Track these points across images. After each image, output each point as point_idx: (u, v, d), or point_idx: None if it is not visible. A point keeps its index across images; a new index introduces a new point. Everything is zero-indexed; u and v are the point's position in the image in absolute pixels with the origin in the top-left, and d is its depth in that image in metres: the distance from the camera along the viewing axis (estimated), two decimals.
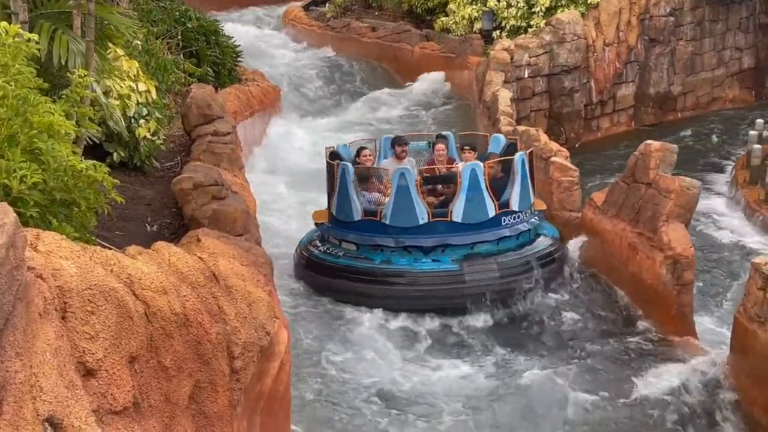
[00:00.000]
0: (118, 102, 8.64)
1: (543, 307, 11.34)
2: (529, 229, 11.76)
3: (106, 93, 8.27)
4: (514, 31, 20.43)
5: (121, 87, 8.85)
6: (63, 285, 3.85)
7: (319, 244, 12.08)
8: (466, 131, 15.27)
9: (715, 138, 19.97)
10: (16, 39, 5.09)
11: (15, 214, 3.32)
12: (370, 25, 24.44)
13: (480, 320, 11.06)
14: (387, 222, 11.36)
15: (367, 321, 10.98)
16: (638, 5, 20.19)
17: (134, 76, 9.33)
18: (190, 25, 16.15)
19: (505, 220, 11.47)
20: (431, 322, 11.02)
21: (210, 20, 17.34)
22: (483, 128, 17.13)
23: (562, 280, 11.89)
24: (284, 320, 6.41)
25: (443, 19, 22.32)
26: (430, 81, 21.66)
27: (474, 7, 21.35)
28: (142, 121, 9.05)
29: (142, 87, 9.36)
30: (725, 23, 21.82)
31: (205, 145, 9.88)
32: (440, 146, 12.27)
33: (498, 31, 20.84)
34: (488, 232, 11.39)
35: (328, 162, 12.04)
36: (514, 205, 11.51)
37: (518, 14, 20.55)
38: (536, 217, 12.02)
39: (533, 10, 20.37)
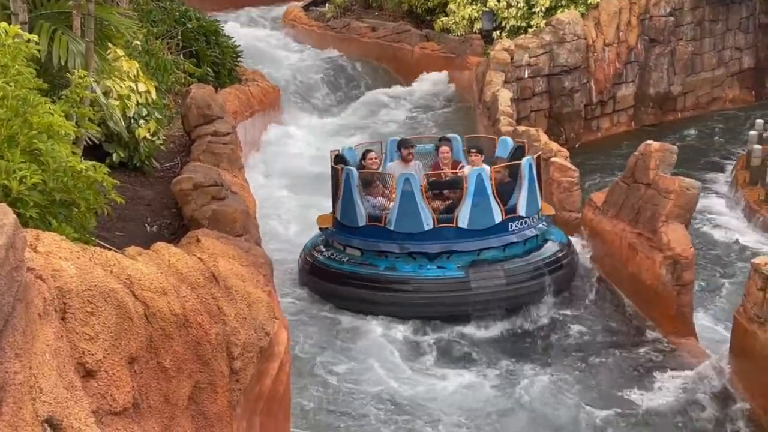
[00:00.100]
0: (117, 102, 8.63)
1: (549, 315, 11.17)
2: (537, 235, 11.58)
3: (105, 93, 8.27)
4: (514, 32, 20.42)
5: (121, 87, 8.85)
6: (63, 286, 3.85)
7: (324, 250, 11.95)
8: (466, 132, 15.16)
9: (715, 138, 19.96)
10: (16, 39, 5.09)
11: (14, 215, 3.32)
12: (370, 25, 24.43)
13: (485, 328, 10.90)
14: (392, 228, 11.22)
15: (372, 328, 10.86)
16: (638, 5, 20.19)
17: (134, 76, 9.33)
18: (190, 26, 16.15)
19: (511, 225, 11.29)
20: (436, 330, 10.87)
21: (210, 20, 17.34)
22: (483, 128, 17.13)
23: (570, 286, 11.71)
24: (284, 321, 6.41)
25: (443, 19, 22.32)
26: (432, 82, 21.61)
27: (474, 7, 21.34)
28: (141, 121, 9.05)
29: (141, 87, 9.36)
30: (725, 23, 21.82)
31: (204, 145, 9.88)
32: (444, 149, 12.11)
33: (498, 32, 20.83)
34: (494, 238, 11.22)
35: (332, 167, 11.91)
36: (521, 211, 11.34)
37: (518, 14, 20.54)
38: (544, 223, 11.82)
39: (533, 10, 20.37)
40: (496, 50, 18.67)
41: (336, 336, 10.75)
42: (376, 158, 12.18)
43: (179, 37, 15.73)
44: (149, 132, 9.08)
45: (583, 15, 19.49)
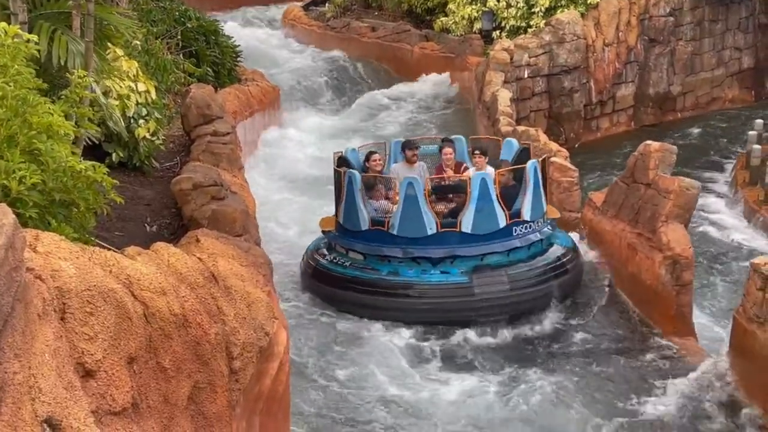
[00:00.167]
0: (117, 102, 8.64)
1: (554, 321, 11.03)
2: (541, 239, 11.44)
3: (105, 93, 8.27)
4: (514, 31, 20.43)
5: (121, 87, 8.85)
6: (62, 286, 3.85)
7: (326, 253, 11.82)
8: (465, 132, 15.09)
9: (714, 138, 19.96)
10: (16, 39, 5.09)
11: (14, 215, 3.33)
12: (370, 25, 24.44)
13: (489, 334, 10.74)
14: (395, 232, 11.09)
15: (374, 332, 10.76)
16: (638, 5, 20.19)
17: (134, 76, 9.33)
18: (189, 25, 16.16)
19: (516, 230, 11.15)
20: (439, 335, 10.73)
21: (209, 20, 17.35)
22: (483, 128, 17.13)
23: (576, 291, 11.56)
24: (283, 321, 6.41)
25: (443, 19, 22.33)
26: (432, 82, 21.56)
27: (474, 7, 21.35)
28: (141, 121, 9.05)
29: (141, 87, 9.36)
30: (725, 23, 21.83)
31: (204, 145, 9.88)
32: (447, 150, 11.97)
33: (498, 32, 20.84)
34: (498, 243, 11.08)
35: (335, 169, 11.79)
36: (526, 215, 11.19)
37: (518, 14, 20.55)
38: (549, 227, 11.67)
39: (533, 10, 20.37)
40: (495, 50, 18.68)
41: (338, 340, 10.63)
42: (380, 160, 12.02)
43: (179, 37, 15.74)
44: (149, 132, 9.09)
45: (582, 15, 19.50)
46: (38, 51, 5.76)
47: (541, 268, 11.25)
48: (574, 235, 12.48)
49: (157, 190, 8.70)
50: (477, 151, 11.77)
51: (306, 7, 27.92)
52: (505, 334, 10.79)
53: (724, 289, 12.28)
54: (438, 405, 9.35)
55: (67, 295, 3.86)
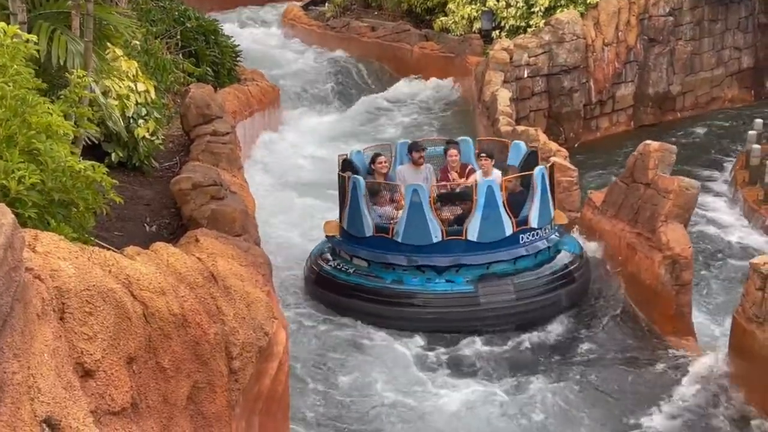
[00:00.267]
0: (116, 102, 8.64)
1: (560, 329, 10.87)
2: (549, 247, 11.27)
3: (104, 93, 8.27)
4: (514, 31, 20.41)
5: (120, 87, 8.85)
6: (61, 286, 3.85)
7: (330, 259, 11.67)
8: (463, 133, 15.03)
9: (714, 138, 19.96)
10: (15, 39, 5.09)
11: (13, 215, 3.33)
12: (370, 24, 24.43)
13: (494, 342, 10.56)
14: (399, 240, 10.93)
15: (378, 338, 10.63)
16: (637, 5, 20.18)
17: (133, 76, 9.33)
18: (189, 25, 16.16)
19: (522, 237, 10.98)
20: (444, 343, 10.57)
21: (209, 20, 17.35)
22: (482, 128, 17.13)
23: (583, 298, 11.38)
24: (283, 321, 6.41)
25: (442, 18, 22.32)
26: (433, 84, 21.53)
27: (473, 6, 21.34)
28: (140, 121, 9.05)
29: (140, 87, 9.36)
30: (724, 23, 21.81)
31: (203, 145, 9.88)
32: (453, 152, 11.80)
33: (497, 31, 20.83)
34: (504, 252, 10.91)
35: (339, 174, 11.62)
36: (533, 222, 11.03)
37: (517, 14, 20.54)
38: (556, 233, 11.51)
39: (532, 9, 20.36)
40: (495, 50, 18.67)
41: (341, 345, 10.53)
42: (385, 162, 11.85)
43: (178, 37, 15.73)
44: (148, 132, 9.09)
45: (582, 15, 19.49)
46: (37, 51, 5.77)
47: (547, 276, 11.07)
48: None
49: (156, 189, 8.70)
50: (483, 154, 11.59)
51: (305, 7, 27.93)
52: (511, 341, 10.60)
53: (724, 289, 12.26)
54: (442, 413, 9.22)
55: (67, 294, 3.86)
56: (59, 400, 3.35)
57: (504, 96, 16.79)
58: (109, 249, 4.98)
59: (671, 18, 20.74)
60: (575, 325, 11.02)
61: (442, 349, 10.49)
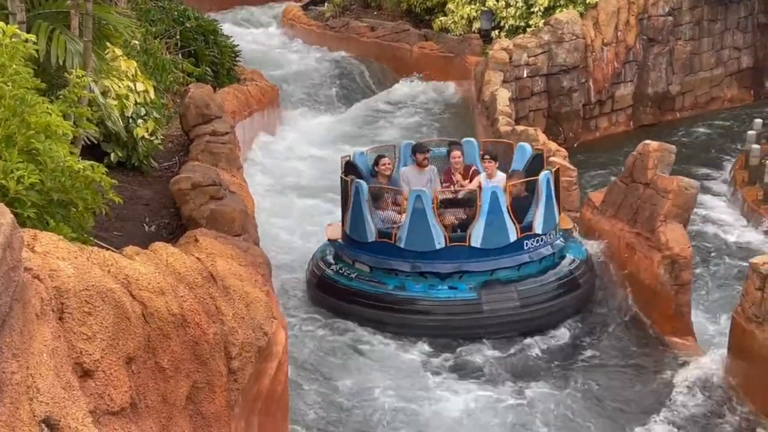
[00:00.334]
0: (116, 102, 8.64)
1: (564, 335, 10.75)
2: (553, 253, 11.14)
3: (104, 93, 8.27)
4: (513, 31, 20.42)
5: (119, 87, 8.85)
6: (60, 286, 3.85)
7: (333, 262, 11.54)
8: (462, 133, 14.97)
9: (713, 138, 19.96)
10: (14, 39, 5.09)
11: (12, 215, 3.33)
12: (369, 24, 24.43)
13: (497, 348, 10.44)
14: (402, 245, 10.79)
15: (380, 342, 10.55)
16: (637, 5, 20.19)
17: (132, 75, 9.33)
18: (188, 25, 16.16)
19: (527, 243, 10.86)
20: (446, 347, 10.46)
21: (208, 20, 17.35)
22: (482, 128, 17.13)
23: (588, 304, 11.26)
24: (282, 320, 6.41)
25: (442, 18, 22.32)
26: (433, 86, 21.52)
27: (473, 6, 21.34)
28: (140, 121, 9.05)
29: (140, 87, 9.36)
30: (724, 23, 21.82)
31: (203, 144, 9.87)
32: (456, 153, 11.67)
33: (497, 31, 20.83)
34: (508, 258, 10.79)
35: (342, 177, 11.48)
36: (538, 228, 10.91)
37: (517, 14, 20.55)
38: (561, 239, 11.35)
39: (532, 9, 20.37)
40: (494, 50, 18.68)
41: (342, 349, 10.45)
42: (389, 164, 11.68)
43: (178, 37, 15.74)
44: (147, 131, 9.08)
45: (581, 14, 19.49)
46: (36, 51, 5.77)
47: (552, 283, 10.95)
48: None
49: (155, 189, 8.70)
50: (487, 156, 11.47)
51: (305, 7, 27.94)
52: (514, 346, 10.50)
53: (723, 289, 12.26)
54: (443, 418, 9.15)
55: (66, 294, 3.86)
56: (58, 400, 3.35)
57: (503, 96, 16.79)
58: (108, 249, 4.98)
59: (670, 18, 20.74)
60: (579, 330, 10.92)
61: (445, 354, 10.38)
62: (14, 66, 4.95)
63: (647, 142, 11.69)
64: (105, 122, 8.02)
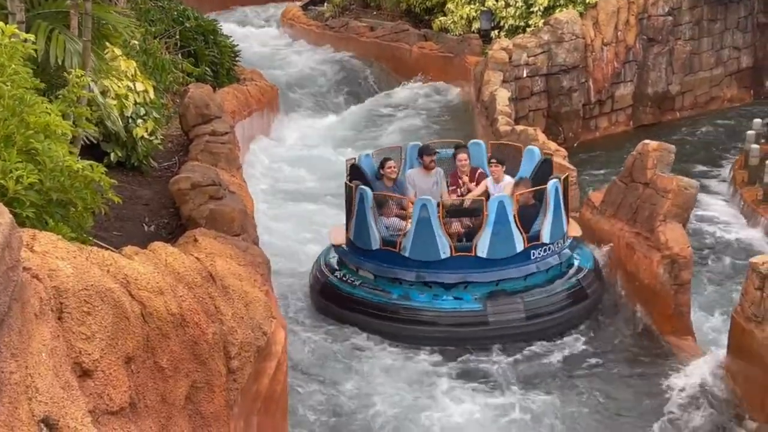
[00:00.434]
0: (115, 102, 8.64)
1: (569, 343, 10.60)
2: (561, 262, 10.95)
3: (103, 93, 8.27)
4: (513, 31, 20.43)
5: (119, 87, 8.85)
6: (59, 285, 3.85)
7: (336, 268, 11.37)
8: (462, 133, 14.93)
9: (713, 138, 19.96)
10: (13, 39, 5.09)
11: (11, 215, 3.32)
12: (369, 24, 24.44)
13: (502, 355, 10.29)
14: (406, 254, 10.60)
15: (383, 348, 10.45)
16: (636, 5, 20.19)
17: (132, 75, 9.32)
18: (188, 25, 16.17)
19: (534, 253, 10.66)
20: (450, 354, 10.34)
21: (208, 20, 17.35)
22: (481, 128, 17.13)
23: (595, 312, 11.11)
24: (281, 320, 6.41)
25: (441, 18, 22.33)
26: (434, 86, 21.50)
27: (472, 6, 21.34)
28: (139, 120, 9.05)
29: (139, 87, 9.36)
30: (723, 23, 21.82)
31: (202, 144, 9.88)
32: (462, 156, 11.50)
33: (496, 31, 20.84)
34: (515, 268, 10.59)
35: (346, 183, 11.26)
36: (545, 238, 10.71)
37: (516, 14, 20.55)
38: (569, 248, 11.16)
39: (531, 9, 20.37)
40: (494, 50, 18.68)
41: (344, 353, 10.37)
42: (395, 167, 11.48)
43: (177, 37, 15.74)
44: (147, 131, 9.09)
45: (581, 14, 19.49)
46: (36, 50, 5.77)
47: (559, 293, 10.79)
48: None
49: (155, 189, 8.70)
50: (494, 160, 11.33)
51: (304, 7, 27.96)
52: (519, 354, 10.36)
53: (722, 288, 12.26)
54: (447, 425, 9.06)
55: (65, 294, 3.86)
56: (57, 400, 3.35)
57: (503, 96, 16.79)
58: (107, 249, 4.98)
59: (670, 18, 20.74)
60: (585, 336, 10.81)
61: (449, 361, 10.27)
62: (13, 66, 4.95)
63: (647, 141, 11.69)
64: (104, 122, 8.02)
